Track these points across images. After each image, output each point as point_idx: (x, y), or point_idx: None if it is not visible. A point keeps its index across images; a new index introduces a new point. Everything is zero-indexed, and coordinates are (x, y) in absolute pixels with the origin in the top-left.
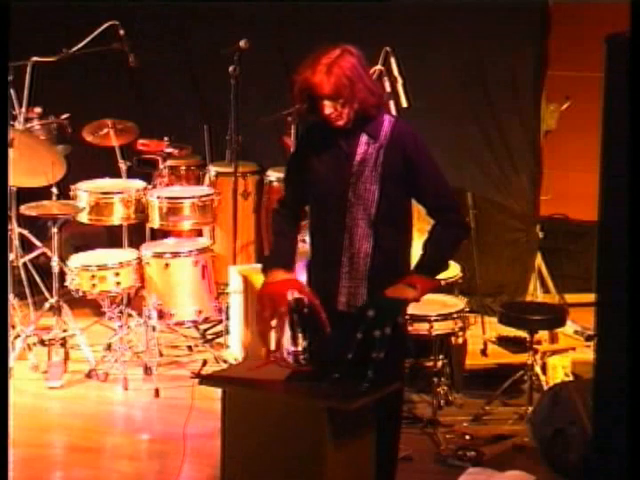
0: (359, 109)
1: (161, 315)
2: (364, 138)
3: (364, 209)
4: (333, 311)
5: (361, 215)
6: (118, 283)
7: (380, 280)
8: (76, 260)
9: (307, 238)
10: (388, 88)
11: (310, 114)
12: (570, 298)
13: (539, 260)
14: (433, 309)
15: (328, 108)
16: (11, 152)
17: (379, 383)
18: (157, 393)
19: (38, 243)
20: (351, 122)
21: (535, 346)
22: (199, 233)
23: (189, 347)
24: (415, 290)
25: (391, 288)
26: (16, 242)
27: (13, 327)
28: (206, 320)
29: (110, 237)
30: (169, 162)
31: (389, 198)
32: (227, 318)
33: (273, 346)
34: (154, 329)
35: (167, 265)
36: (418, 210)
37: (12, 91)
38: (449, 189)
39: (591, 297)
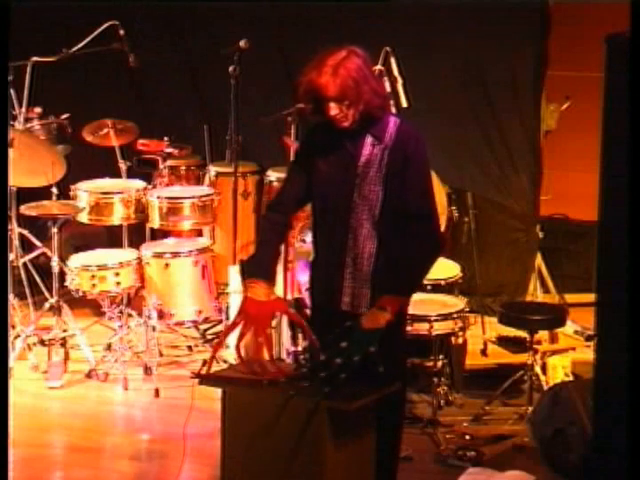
0: (364, 110)
1: (161, 315)
2: (369, 139)
3: (369, 210)
4: (336, 311)
5: (366, 216)
6: (118, 283)
7: (384, 281)
8: (76, 260)
9: (308, 238)
10: (388, 88)
11: (315, 115)
12: (570, 298)
13: (539, 260)
14: (433, 309)
15: (333, 109)
16: (11, 152)
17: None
18: (157, 393)
19: (38, 243)
20: (356, 123)
21: (535, 346)
22: (199, 233)
23: (189, 347)
24: (387, 312)
25: (365, 316)
26: (16, 242)
27: (13, 327)
28: (206, 320)
29: (110, 237)
30: (169, 162)
31: (393, 199)
32: (227, 318)
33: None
34: (154, 329)
35: (167, 265)
36: None
37: (12, 91)
38: (430, 199)
39: (591, 297)
